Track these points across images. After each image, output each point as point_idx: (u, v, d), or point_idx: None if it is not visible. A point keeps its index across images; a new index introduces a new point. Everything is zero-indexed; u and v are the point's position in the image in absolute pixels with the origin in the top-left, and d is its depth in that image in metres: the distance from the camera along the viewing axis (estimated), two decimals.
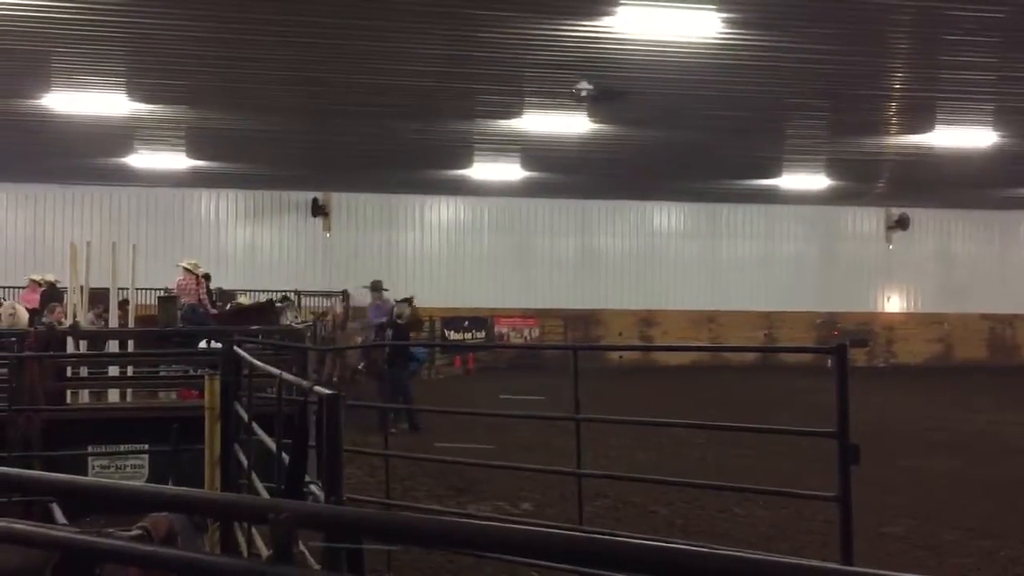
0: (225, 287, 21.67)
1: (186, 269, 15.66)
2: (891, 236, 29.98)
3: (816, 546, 7.49)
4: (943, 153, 19.70)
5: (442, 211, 28.18)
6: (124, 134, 18.90)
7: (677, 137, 18.79)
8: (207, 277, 17.03)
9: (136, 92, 15.45)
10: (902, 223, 29.46)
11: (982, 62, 13.53)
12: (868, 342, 29.13)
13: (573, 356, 5.71)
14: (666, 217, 29.22)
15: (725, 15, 11.51)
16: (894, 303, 30.33)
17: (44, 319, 13.59)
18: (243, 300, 18.44)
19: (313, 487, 3.84)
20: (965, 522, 8.74)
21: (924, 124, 17.57)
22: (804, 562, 1.44)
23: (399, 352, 14.42)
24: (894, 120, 17.64)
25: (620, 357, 27.43)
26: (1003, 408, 17.79)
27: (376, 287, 17.21)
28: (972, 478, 10.94)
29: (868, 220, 29.92)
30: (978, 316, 30.11)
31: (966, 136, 18.23)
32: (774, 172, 23.30)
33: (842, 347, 4.05)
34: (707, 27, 11.90)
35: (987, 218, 30.01)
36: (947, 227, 30.33)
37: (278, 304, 17.78)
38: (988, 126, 17.61)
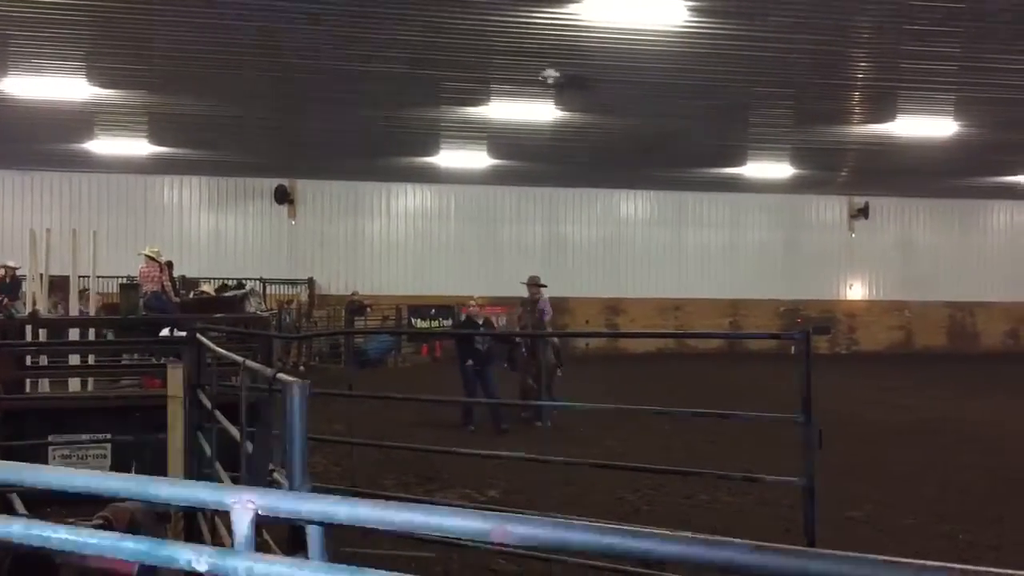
0: (189, 275, 21.51)
1: (148, 257, 15.51)
2: (853, 225, 30.32)
3: (780, 531, 7.57)
4: (905, 142, 19.94)
5: (409, 199, 28.07)
6: (84, 119, 18.61)
7: (643, 125, 18.84)
8: (170, 265, 16.89)
9: (97, 76, 15.20)
10: (864, 212, 29.81)
11: (944, 52, 13.69)
12: (831, 329, 29.48)
13: (541, 343, 5.70)
14: (633, 205, 29.32)
15: (691, 3, 11.54)
16: (856, 291, 30.70)
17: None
18: (207, 288, 18.26)
19: (277, 475, 3.81)
20: (925, 507, 8.88)
21: (886, 113, 17.77)
22: (769, 545, 1.44)
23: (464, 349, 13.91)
24: (857, 109, 17.82)
25: (587, 344, 27.52)
26: (963, 395, 18.08)
27: (532, 281, 14.86)
28: (933, 463, 11.11)
29: (831, 209, 30.25)
30: (939, 304, 30.56)
31: (927, 126, 18.45)
32: (739, 160, 23.45)
33: (806, 333, 4.08)
34: (673, 15, 11.93)
35: (947, 207, 30.44)
36: (908, 216, 30.74)
37: (239, 292, 17.63)
38: (949, 116, 17.84)
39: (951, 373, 22.54)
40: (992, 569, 1.29)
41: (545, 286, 14.99)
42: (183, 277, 20.81)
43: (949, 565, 1.31)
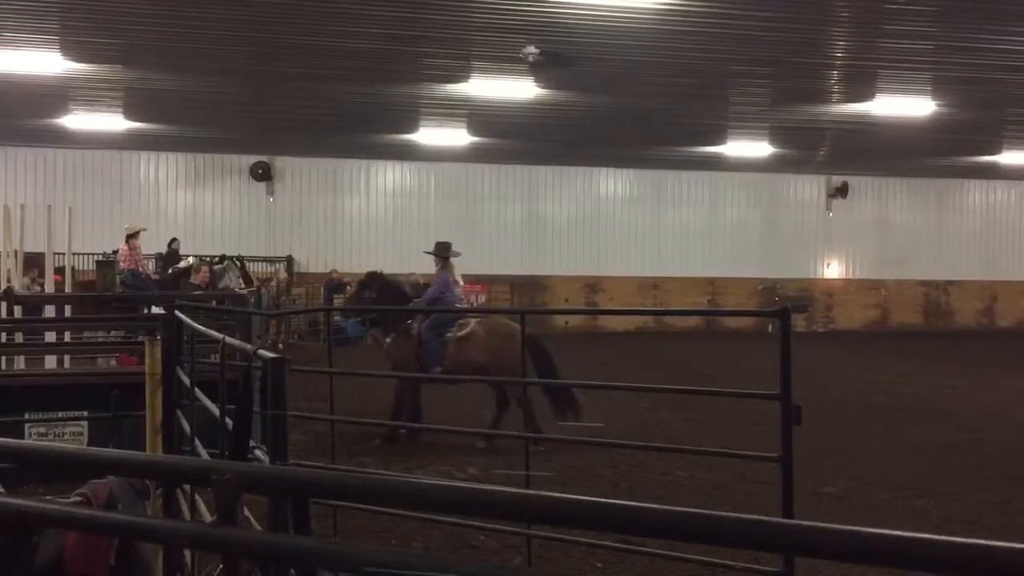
0: (164, 252, 21.37)
1: (129, 236, 15.69)
2: (831, 204, 30.48)
3: (756, 506, 7.64)
4: (883, 122, 20.03)
5: (388, 176, 27.94)
6: (58, 94, 18.37)
7: (623, 103, 18.81)
8: (174, 241, 17.16)
9: (71, 50, 14.98)
10: (842, 191, 29.97)
11: (921, 31, 13.74)
12: (808, 308, 29.68)
13: (520, 320, 5.71)
14: (612, 183, 29.32)
15: None
16: (833, 269, 30.91)
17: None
18: (183, 265, 18.17)
19: (258, 452, 3.80)
20: (900, 482, 8.98)
21: (865, 93, 17.83)
22: (745, 516, 1.46)
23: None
24: (835, 88, 17.87)
25: (566, 323, 27.56)
26: (939, 372, 18.26)
27: (440, 251, 11.10)
28: (907, 439, 11.23)
29: (809, 188, 30.38)
30: (914, 282, 30.85)
31: (905, 105, 18.53)
32: (718, 139, 23.49)
33: (786, 310, 4.09)
34: None
35: (924, 186, 30.66)
36: (885, 195, 30.92)
37: (217, 267, 17.63)
38: (927, 95, 17.92)
39: (926, 351, 22.76)
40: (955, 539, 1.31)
41: (458, 254, 11.20)
42: (159, 254, 20.72)
43: (921, 536, 1.33)
